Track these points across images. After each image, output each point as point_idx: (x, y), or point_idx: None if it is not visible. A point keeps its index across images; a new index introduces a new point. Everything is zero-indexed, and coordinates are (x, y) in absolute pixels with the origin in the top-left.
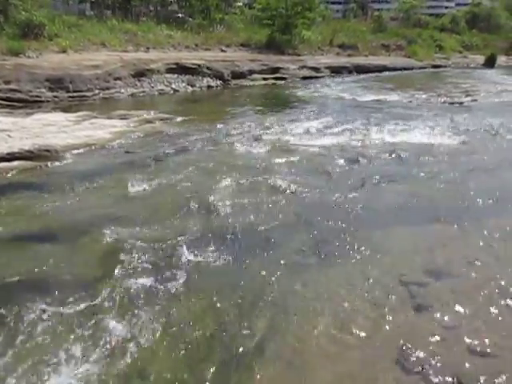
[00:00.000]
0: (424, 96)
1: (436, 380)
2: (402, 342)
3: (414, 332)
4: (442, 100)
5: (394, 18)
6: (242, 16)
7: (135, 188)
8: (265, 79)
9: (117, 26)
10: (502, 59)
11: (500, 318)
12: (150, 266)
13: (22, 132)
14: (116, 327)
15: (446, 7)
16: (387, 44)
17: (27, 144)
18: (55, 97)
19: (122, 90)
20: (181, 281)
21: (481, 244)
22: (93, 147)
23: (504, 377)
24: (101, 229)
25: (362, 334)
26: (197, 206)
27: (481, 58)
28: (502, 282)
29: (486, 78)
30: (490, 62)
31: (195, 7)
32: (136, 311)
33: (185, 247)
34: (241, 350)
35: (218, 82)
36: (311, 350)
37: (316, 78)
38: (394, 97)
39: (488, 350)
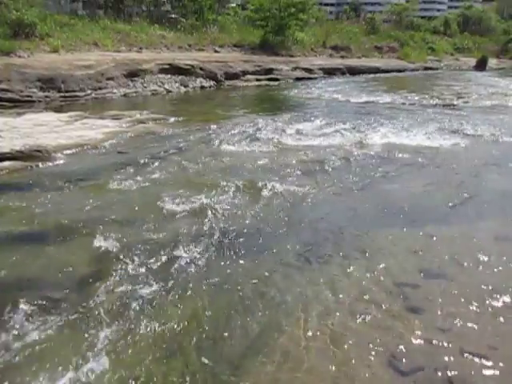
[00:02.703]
0: (416, 98)
1: (429, 382)
2: (395, 343)
3: (407, 333)
4: (435, 102)
5: (387, 20)
6: (236, 17)
7: (127, 189)
8: (258, 80)
9: (109, 25)
10: (493, 62)
11: (494, 320)
12: (143, 267)
13: (12, 132)
14: (108, 327)
15: (438, 10)
16: (380, 46)
17: (18, 144)
18: (47, 97)
19: (115, 90)
20: (173, 281)
21: (476, 245)
22: (85, 147)
23: (498, 378)
24: (92, 229)
25: (356, 335)
26: (190, 206)
27: (472, 61)
28: (497, 284)
29: (478, 80)
30: (481, 65)
31: (188, 7)
32: (129, 312)
33: (177, 248)
34: (235, 349)
35: (212, 83)
36: (305, 351)
37: (309, 79)
38: (386, 98)
39: (481, 352)
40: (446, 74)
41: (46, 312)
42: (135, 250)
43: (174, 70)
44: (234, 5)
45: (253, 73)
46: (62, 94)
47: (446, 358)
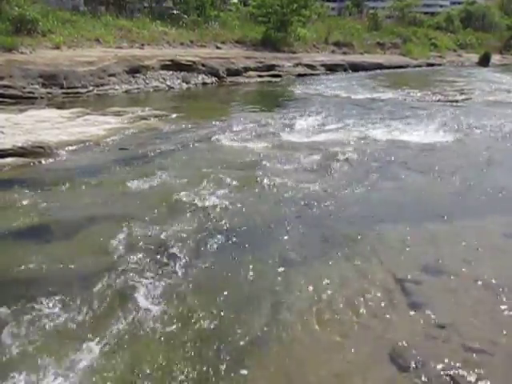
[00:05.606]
0: (419, 94)
1: (430, 378)
2: (396, 339)
3: (409, 330)
4: (437, 98)
5: (390, 16)
6: (237, 13)
7: (129, 185)
8: (260, 76)
9: (111, 22)
10: (495, 58)
11: (495, 316)
12: (146, 264)
13: (14, 128)
14: (111, 324)
15: (441, 6)
16: (382, 42)
17: (20, 140)
18: (49, 93)
19: (117, 87)
20: (176, 278)
21: (477, 242)
22: (87, 144)
23: (499, 374)
24: (94, 226)
25: (357, 332)
26: (193, 203)
27: (475, 57)
28: (497, 280)
29: (481, 76)
30: (484, 61)
31: (190, 4)
32: (131, 308)
33: (181, 245)
34: (236, 347)
35: (213, 79)
36: (306, 348)
37: (311, 75)
38: (389, 95)
39: (483, 348)
40: (448, 70)
41: (46, 307)
42: (138, 246)
43: (176, 66)
44: (235, 1)
45: (255, 69)
46: (64, 91)
47: (448, 354)
